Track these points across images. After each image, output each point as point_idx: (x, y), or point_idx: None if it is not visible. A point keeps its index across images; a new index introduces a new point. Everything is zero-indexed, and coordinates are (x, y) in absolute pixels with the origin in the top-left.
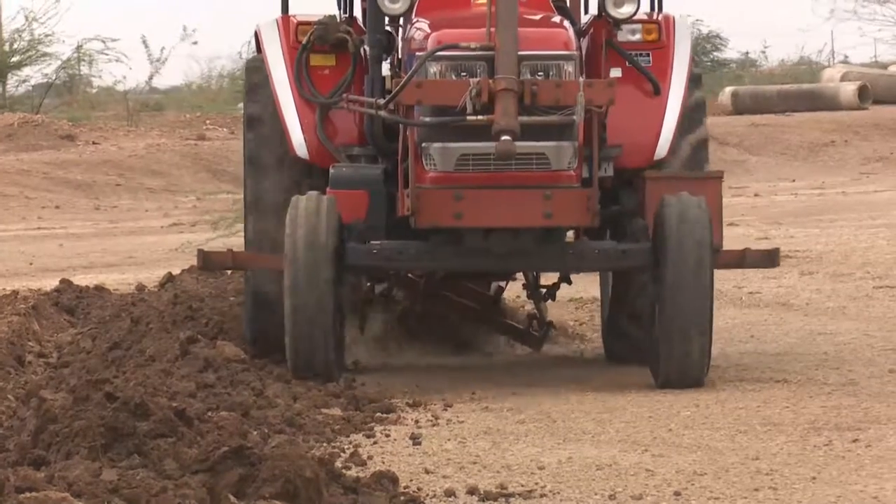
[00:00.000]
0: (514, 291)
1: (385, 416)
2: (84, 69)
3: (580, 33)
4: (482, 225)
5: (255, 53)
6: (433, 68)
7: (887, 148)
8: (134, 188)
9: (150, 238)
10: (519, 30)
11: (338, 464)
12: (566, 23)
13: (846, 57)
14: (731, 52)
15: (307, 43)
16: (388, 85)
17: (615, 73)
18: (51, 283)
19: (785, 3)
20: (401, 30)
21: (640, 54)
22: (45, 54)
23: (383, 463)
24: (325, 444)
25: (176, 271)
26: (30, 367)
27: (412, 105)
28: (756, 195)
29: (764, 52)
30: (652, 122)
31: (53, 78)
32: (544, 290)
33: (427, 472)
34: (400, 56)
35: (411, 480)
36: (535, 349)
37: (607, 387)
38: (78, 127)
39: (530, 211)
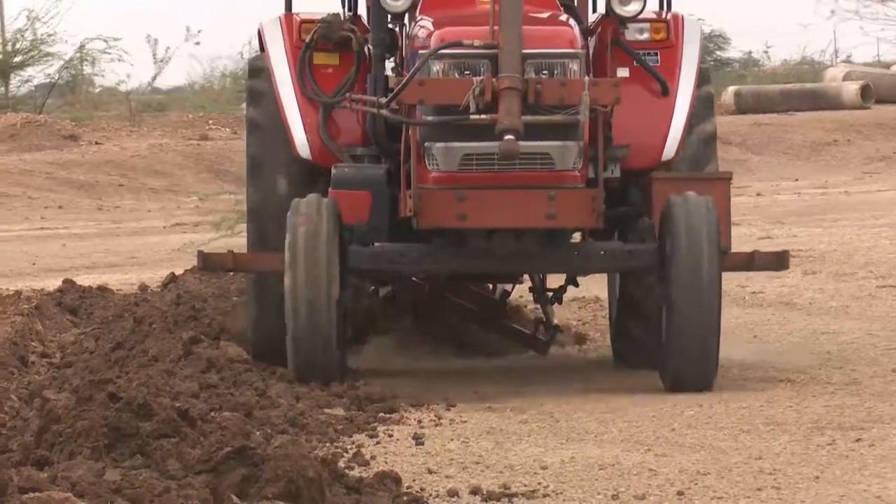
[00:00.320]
0: (518, 293)
1: (388, 416)
2: (87, 69)
3: (587, 32)
4: (485, 226)
5: (258, 52)
6: (436, 66)
7: (890, 147)
8: (137, 188)
9: (152, 238)
10: (523, 28)
11: (341, 464)
12: (572, 21)
13: (849, 56)
14: (733, 52)
15: (310, 41)
16: (391, 84)
17: (622, 72)
18: (54, 284)
19: (787, 3)
20: (404, 28)
21: (649, 53)
22: (47, 54)
23: (386, 463)
24: (327, 445)
25: (179, 271)
26: (33, 368)
27: (415, 104)
28: (759, 195)
29: (766, 52)
30: (660, 122)
31: (56, 78)
32: (551, 294)
33: (430, 472)
34: (403, 55)
35: (414, 480)
36: (542, 353)
37: (610, 386)
38: (81, 127)
39: (534, 212)
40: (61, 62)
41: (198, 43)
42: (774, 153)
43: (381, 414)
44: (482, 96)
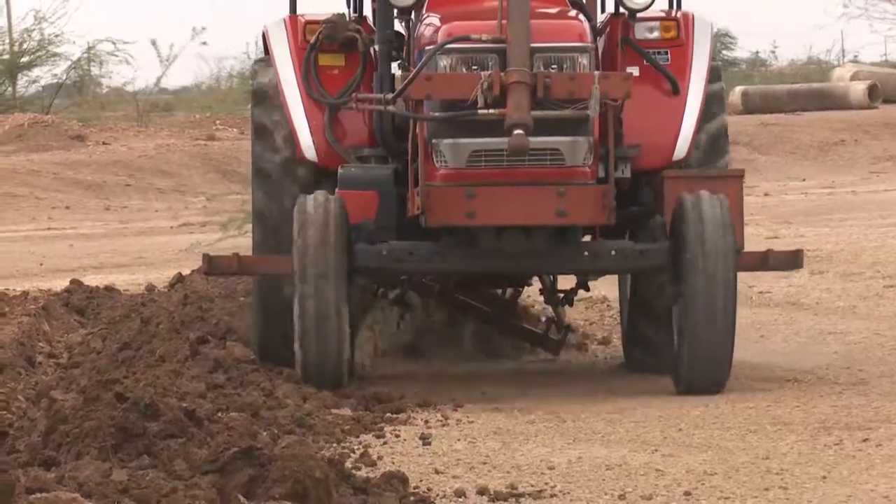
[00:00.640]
0: (527, 294)
1: (395, 416)
2: (94, 70)
3: (596, 29)
4: (494, 223)
5: (263, 54)
6: (443, 62)
7: None
8: (144, 188)
9: (159, 238)
10: (532, 22)
11: (348, 464)
12: (581, 16)
13: (856, 56)
14: (740, 52)
15: (315, 42)
16: (397, 82)
17: (633, 71)
18: (61, 284)
19: (794, 3)
20: (411, 25)
21: (659, 52)
22: (54, 55)
23: (393, 463)
24: (334, 445)
25: (185, 272)
26: (40, 368)
27: (422, 100)
28: (766, 194)
29: (773, 52)
30: (671, 121)
31: (63, 78)
32: (562, 296)
33: (437, 472)
34: (410, 53)
35: (421, 481)
36: (554, 354)
37: (617, 387)
38: (88, 127)
39: (544, 208)
40: (68, 63)
41: (204, 42)
42: (782, 153)
43: (388, 414)
44: (490, 91)
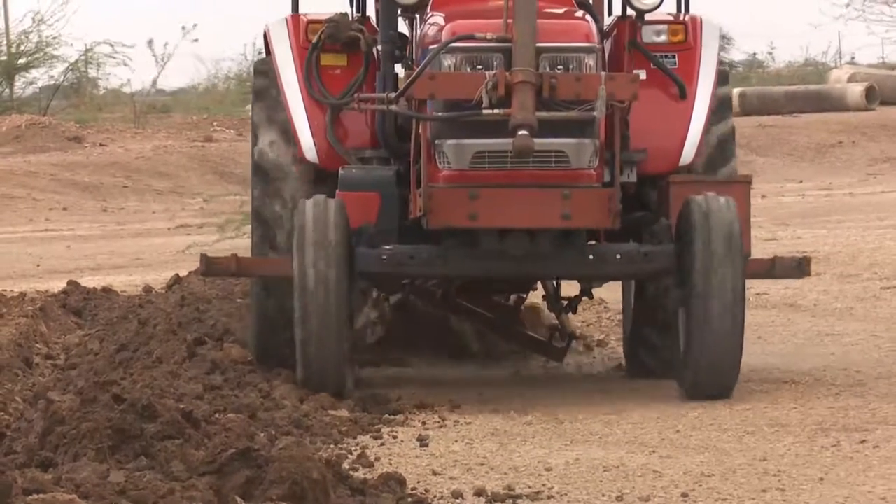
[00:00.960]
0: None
1: (392, 417)
2: (91, 72)
3: (603, 32)
4: (498, 225)
5: (263, 54)
6: (447, 61)
7: (895, 149)
8: (141, 190)
9: (157, 240)
10: (538, 21)
11: (345, 465)
12: (588, 16)
13: (853, 58)
14: (737, 54)
15: (317, 42)
16: (401, 83)
17: (639, 75)
18: (58, 285)
19: (792, 4)
20: (415, 24)
21: (666, 56)
22: (52, 56)
23: (390, 464)
24: (332, 446)
25: (183, 273)
26: (37, 369)
27: (425, 99)
28: (763, 196)
29: (771, 53)
30: (677, 126)
31: (61, 80)
32: (565, 302)
33: (434, 473)
34: (414, 53)
35: (419, 482)
36: (558, 361)
37: (615, 388)
38: (85, 129)
39: (548, 211)
40: (66, 64)
41: (196, 40)
42: (779, 155)
43: (386, 415)
44: (495, 90)
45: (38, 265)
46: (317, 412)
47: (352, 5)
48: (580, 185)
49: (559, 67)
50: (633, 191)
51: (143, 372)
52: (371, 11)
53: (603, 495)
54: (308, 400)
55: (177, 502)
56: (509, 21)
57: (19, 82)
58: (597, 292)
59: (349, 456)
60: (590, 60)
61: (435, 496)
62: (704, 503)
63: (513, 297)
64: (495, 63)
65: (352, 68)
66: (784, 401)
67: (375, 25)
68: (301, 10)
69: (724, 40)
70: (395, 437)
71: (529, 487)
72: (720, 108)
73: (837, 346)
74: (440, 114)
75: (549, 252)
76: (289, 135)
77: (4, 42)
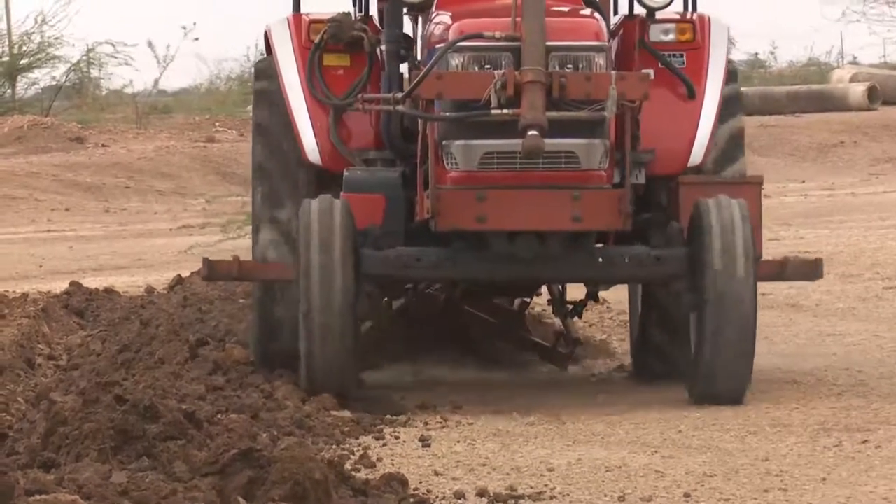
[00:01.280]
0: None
1: (394, 418)
2: (94, 72)
3: (610, 31)
4: (506, 228)
5: (264, 54)
6: (455, 60)
7: None
8: (143, 190)
9: (159, 240)
10: (546, 20)
11: (347, 466)
12: (597, 14)
13: (855, 58)
14: (739, 54)
15: (320, 42)
16: (406, 83)
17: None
18: (60, 286)
19: (794, 4)
20: (420, 24)
21: (674, 55)
22: (54, 57)
23: (392, 465)
24: (334, 447)
25: (185, 274)
26: (40, 370)
27: (432, 99)
28: (765, 196)
29: (773, 53)
30: (686, 126)
31: (63, 81)
32: (571, 307)
33: (436, 473)
34: (419, 53)
35: (421, 482)
36: (562, 367)
37: (617, 388)
38: (87, 129)
39: (558, 213)
40: (68, 65)
41: (196, 39)
42: (781, 155)
43: (388, 416)
44: (504, 90)
45: (41, 266)
46: (319, 413)
47: (354, 5)
48: (590, 186)
49: (569, 66)
50: (641, 192)
51: (146, 372)
52: (374, 10)
53: (605, 495)
54: (310, 401)
55: (179, 503)
56: (517, 19)
57: (21, 83)
58: (600, 293)
59: (351, 456)
60: (600, 59)
61: (437, 496)
62: (707, 503)
63: (517, 302)
64: (504, 62)
65: (355, 68)
66: (786, 401)
67: (378, 25)
68: (302, 10)
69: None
70: (397, 438)
71: (531, 488)
72: (729, 106)
73: (839, 346)
74: (448, 114)
75: (559, 255)
76: (290, 236)
77: (7, 43)
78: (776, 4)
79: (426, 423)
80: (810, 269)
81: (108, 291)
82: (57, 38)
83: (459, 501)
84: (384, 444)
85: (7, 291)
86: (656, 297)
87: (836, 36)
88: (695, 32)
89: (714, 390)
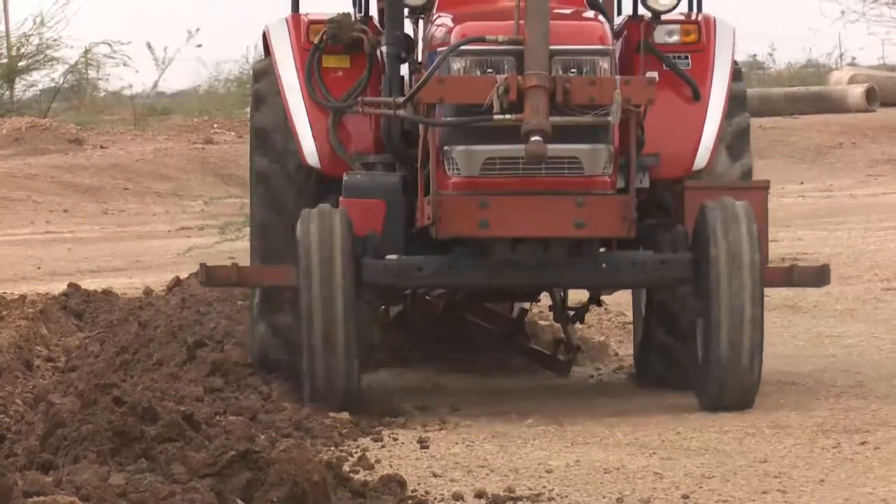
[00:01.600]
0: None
1: (393, 419)
2: (92, 73)
3: (614, 32)
4: (509, 235)
5: (263, 56)
6: (457, 64)
7: (895, 150)
8: (141, 192)
9: (157, 242)
10: (550, 23)
11: (345, 467)
12: (601, 17)
13: (854, 59)
14: (738, 55)
15: (319, 43)
16: (407, 86)
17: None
18: (59, 288)
19: (792, 5)
20: (421, 26)
21: (679, 57)
22: (52, 59)
23: (391, 466)
24: (332, 448)
25: (183, 275)
26: (38, 372)
27: (433, 104)
28: None
29: (771, 55)
30: (691, 129)
31: (61, 82)
32: (572, 313)
33: (435, 475)
34: (420, 55)
35: (419, 484)
36: (563, 375)
37: (615, 390)
38: (85, 131)
39: (561, 219)
40: (66, 66)
41: (199, 45)
42: (779, 156)
43: (386, 417)
44: (507, 95)
45: (39, 267)
46: (317, 414)
47: (354, 5)
48: (594, 192)
49: (573, 71)
50: (645, 197)
51: (144, 374)
52: (374, 11)
53: (603, 497)
54: None
55: None
56: (521, 22)
57: (19, 85)
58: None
59: (350, 458)
60: (604, 63)
61: (435, 498)
62: None
63: (516, 309)
64: (506, 66)
65: (354, 70)
66: (785, 402)
67: (378, 26)
68: (302, 10)
69: None
70: (395, 440)
71: (530, 489)
72: (733, 104)
73: (838, 347)
74: (449, 119)
75: (562, 261)
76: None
77: (5, 45)
78: (775, 6)
79: (424, 425)
80: (818, 276)
81: (107, 293)
82: (55, 40)
83: (458, 503)
84: (383, 446)
85: (5, 293)
86: (660, 300)
87: (834, 37)
88: (700, 34)
89: (723, 398)
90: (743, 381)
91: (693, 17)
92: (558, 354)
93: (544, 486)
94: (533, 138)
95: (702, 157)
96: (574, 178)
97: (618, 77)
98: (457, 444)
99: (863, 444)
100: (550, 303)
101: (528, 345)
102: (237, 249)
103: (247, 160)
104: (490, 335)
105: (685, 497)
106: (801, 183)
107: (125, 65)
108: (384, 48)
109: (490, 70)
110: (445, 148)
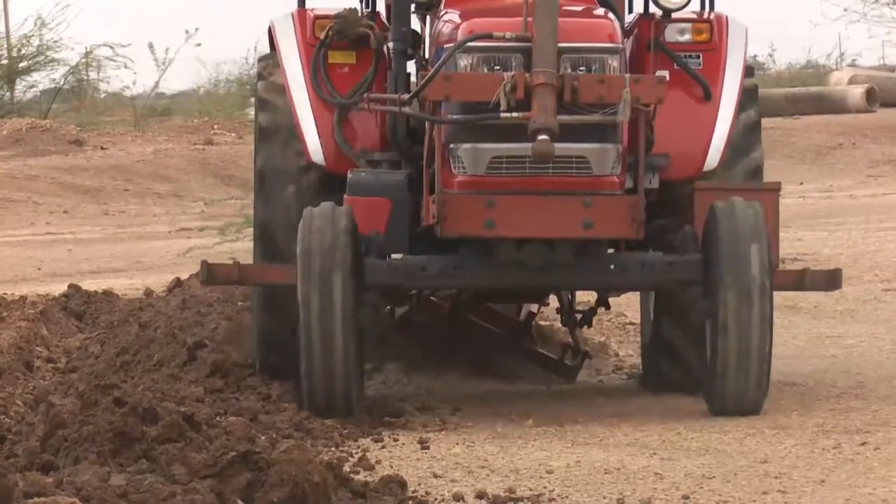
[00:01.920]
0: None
1: (393, 420)
2: (92, 74)
3: (624, 31)
4: (515, 235)
5: (269, 51)
6: (463, 61)
7: (895, 151)
8: (142, 193)
9: (157, 243)
10: (559, 20)
11: (346, 468)
12: (611, 15)
13: (854, 60)
14: None
15: (325, 38)
16: (413, 82)
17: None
18: (59, 289)
19: (792, 6)
20: (428, 22)
21: (690, 56)
22: (53, 60)
23: (391, 467)
24: (333, 449)
25: (184, 276)
26: (38, 373)
27: (440, 101)
28: None
29: (771, 56)
30: (702, 129)
31: (61, 83)
32: (579, 316)
33: (435, 476)
34: (427, 52)
35: (419, 485)
36: (569, 381)
37: (616, 391)
38: (86, 132)
39: (569, 220)
40: (66, 68)
41: (199, 44)
42: (779, 157)
43: (387, 418)
44: (514, 93)
45: (39, 269)
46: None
47: (361, 1)
48: (602, 192)
49: (581, 69)
50: (654, 197)
51: (144, 375)
52: (381, 7)
53: (604, 497)
54: None
55: None
56: (529, 19)
57: (20, 86)
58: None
59: (350, 459)
60: (613, 62)
61: (436, 499)
62: None
63: (524, 312)
64: (514, 64)
65: (361, 66)
66: (785, 403)
67: (385, 21)
68: (308, 5)
69: None
70: (395, 440)
71: (530, 490)
72: (745, 99)
73: (838, 348)
74: (455, 116)
75: (569, 262)
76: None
77: (5, 46)
78: (775, 6)
79: (425, 426)
80: (829, 280)
81: (107, 294)
82: (56, 41)
83: (458, 503)
84: (383, 447)
85: (6, 294)
86: (669, 301)
87: (834, 38)
88: (712, 33)
89: (733, 403)
90: (752, 387)
91: (705, 15)
92: (565, 359)
93: (545, 487)
94: (540, 137)
95: (712, 158)
96: (582, 178)
97: (627, 75)
98: (457, 444)
99: (863, 444)
100: (558, 306)
101: (534, 349)
102: (237, 250)
103: (247, 161)
104: (496, 338)
105: (685, 497)
106: (801, 183)
107: (126, 67)
108: (391, 44)
109: (497, 67)
110: (451, 146)
